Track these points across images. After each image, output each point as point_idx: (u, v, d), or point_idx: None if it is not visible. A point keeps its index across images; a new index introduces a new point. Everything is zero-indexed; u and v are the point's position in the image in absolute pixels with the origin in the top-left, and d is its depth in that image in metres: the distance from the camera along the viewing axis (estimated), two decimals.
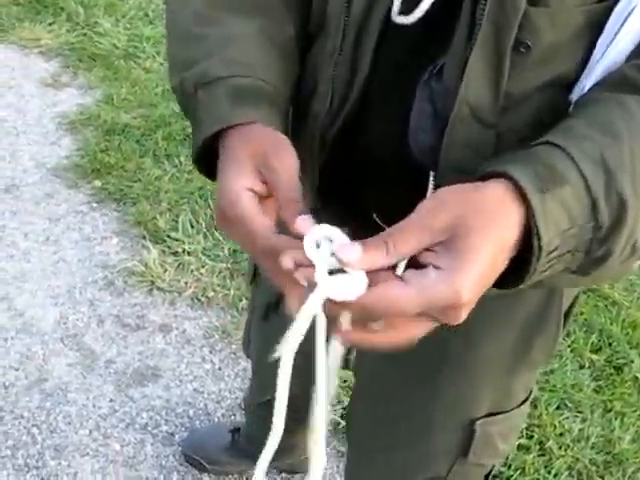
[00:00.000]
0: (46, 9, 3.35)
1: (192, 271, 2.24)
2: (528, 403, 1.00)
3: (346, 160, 0.81)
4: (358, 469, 1.19)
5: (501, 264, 0.58)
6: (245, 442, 1.73)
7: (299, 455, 1.72)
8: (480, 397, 0.95)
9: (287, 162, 0.65)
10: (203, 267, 2.25)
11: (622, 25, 0.65)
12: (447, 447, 1.00)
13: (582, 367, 2.18)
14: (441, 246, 0.56)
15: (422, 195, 0.71)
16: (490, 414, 0.96)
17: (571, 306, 0.93)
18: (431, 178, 0.73)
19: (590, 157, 0.58)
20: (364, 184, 0.83)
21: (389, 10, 0.71)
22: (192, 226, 2.36)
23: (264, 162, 0.65)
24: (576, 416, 2.04)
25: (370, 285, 0.57)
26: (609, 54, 0.66)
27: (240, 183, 0.64)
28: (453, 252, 0.55)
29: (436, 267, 0.56)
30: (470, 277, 0.55)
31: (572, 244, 0.59)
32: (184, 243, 2.30)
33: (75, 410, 1.88)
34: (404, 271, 0.59)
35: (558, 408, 2.04)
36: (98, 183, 2.51)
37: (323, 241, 0.59)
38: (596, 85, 0.67)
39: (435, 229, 0.56)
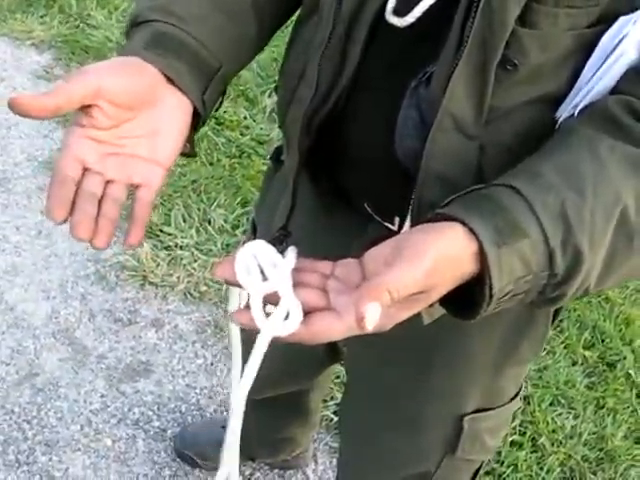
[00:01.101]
0: (38, 1, 3.32)
1: (184, 266, 2.23)
2: (517, 399, 1.00)
3: (333, 148, 0.81)
4: (350, 463, 1.20)
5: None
6: None
7: (293, 451, 1.72)
8: (468, 393, 0.95)
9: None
10: (195, 262, 2.24)
11: (612, 51, 0.66)
12: (436, 442, 1.00)
13: (575, 364, 2.18)
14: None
15: (409, 185, 0.72)
16: (478, 410, 0.96)
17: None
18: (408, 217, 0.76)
19: (552, 211, 0.61)
20: (351, 172, 0.83)
21: (383, 7, 0.71)
22: (184, 220, 2.35)
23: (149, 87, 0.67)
24: (569, 413, 2.04)
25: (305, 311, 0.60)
26: (597, 77, 0.67)
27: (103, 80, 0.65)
28: (408, 301, 0.59)
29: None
30: (400, 318, 0.62)
31: (526, 288, 0.62)
32: (176, 237, 2.29)
33: (66, 405, 1.87)
34: None
35: (551, 405, 2.05)
36: None
37: (251, 260, 0.61)
38: (580, 113, 0.67)
39: (423, 286, 0.59)
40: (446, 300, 0.64)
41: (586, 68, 0.67)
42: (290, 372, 1.23)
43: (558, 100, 0.69)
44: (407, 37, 0.71)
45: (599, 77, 0.67)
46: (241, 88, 2.94)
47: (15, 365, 1.93)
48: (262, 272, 0.61)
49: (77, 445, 1.80)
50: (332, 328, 0.60)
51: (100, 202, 0.65)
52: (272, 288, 0.60)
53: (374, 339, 0.96)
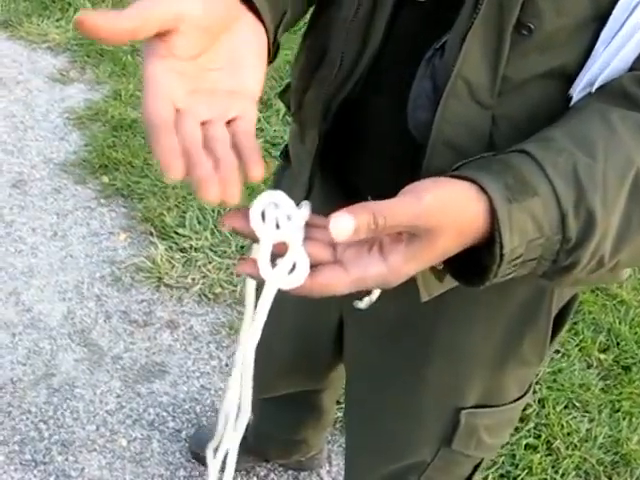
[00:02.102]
0: (54, 5, 3.35)
1: (199, 267, 2.24)
2: (521, 403, 1.00)
3: (347, 132, 0.81)
4: (352, 453, 1.21)
5: (446, 257, 0.60)
6: (252, 438, 1.73)
7: (307, 452, 1.72)
8: (467, 387, 0.95)
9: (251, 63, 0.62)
10: (210, 263, 2.25)
11: (627, 18, 0.64)
12: (432, 433, 1.00)
13: (590, 366, 2.17)
14: (407, 235, 0.58)
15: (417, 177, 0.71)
16: (477, 406, 0.96)
17: (566, 307, 0.92)
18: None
19: (563, 172, 0.60)
20: (362, 158, 0.83)
21: None
22: (199, 222, 2.36)
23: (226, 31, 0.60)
24: (584, 416, 2.04)
25: (312, 265, 0.59)
26: (611, 49, 0.65)
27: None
28: (411, 247, 0.58)
29: (382, 252, 0.58)
30: (408, 272, 0.59)
31: (538, 252, 0.61)
32: (191, 239, 2.30)
33: (82, 406, 1.88)
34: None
35: (566, 407, 2.04)
36: (106, 179, 2.51)
37: (268, 207, 0.59)
38: (596, 92, 0.66)
39: (418, 229, 0.57)
40: (456, 268, 0.64)
41: (599, 40, 0.66)
42: (300, 366, 1.24)
43: (572, 77, 0.68)
44: (427, 11, 0.71)
45: (613, 51, 0.65)
46: None
47: (32, 365, 1.95)
48: (276, 222, 0.59)
49: (93, 445, 1.81)
50: (337, 280, 0.58)
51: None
52: (282, 237, 0.59)
53: (374, 328, 0.97)
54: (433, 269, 0.75)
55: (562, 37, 0.66)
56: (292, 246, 0.59)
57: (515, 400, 0.98)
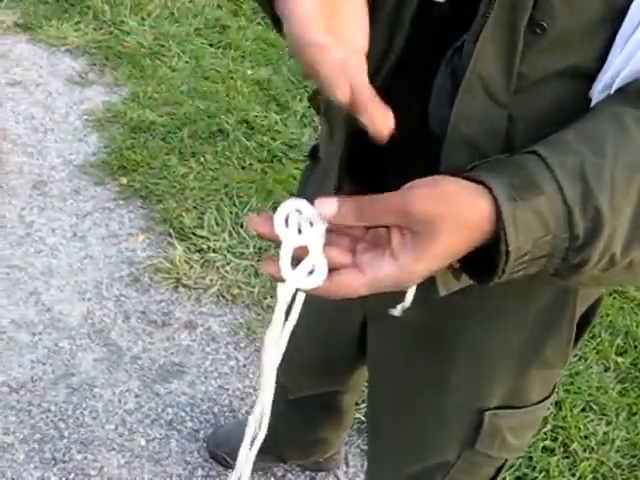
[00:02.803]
0: (73, 8, 3.38)
1: (217, 268, 2.25)
2: (545, 404, 1.00)
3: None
4: (374, 454, 1.21)
5: (456, 258, 0.62)
6: (270, 438, 1.73)
7: (325, 453, 1.73)
8: (490, 388, 0.95)
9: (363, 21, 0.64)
10: (228, 264, 2.26)
11: None
12: (456, 434, 1.00)
13: (607, 369, 2.17)
14: (411, 234, 0.60)
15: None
16: (501, 407, 0.96)
17: (590, 310, 0.93)
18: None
19: (570, 171, 0.61)
20: (388, 157, 0.83)
21: None
22: (217, 224, 2.37)
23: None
24: (601, 419, 2.03)
25: (331, 268, 0.63)
26: (628, 51, 0.65)
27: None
28: (417, 246, 0.60)
29: (392, 254, 0.61)
30: (420, 271, 0.61)
31: (546, 250, 0.62)
32: (209, 240, 2.31)
33: (101, 405, 1.90)
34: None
35: (583, 410, 2.04)
36: (124, 180, 2.53)
37: (292, 214, 0.64)
38: (614, 93, 0.66)
39: (414, 219, 0.59)
40: (469, 266, 0.66)
41: (616, 41, 0.66)
42: (324, 368, 1.25)
43: (591, 77, 0.68)
44: (448, 12, 0.72)
45: (629, 54, 0.65)
46: (272, 93, 2.97)
47: (51, 365, 1.97)
48: (299, 228, 0.64)
49: (112, 444, 1.82)
50: (353, 281, 0.62)
51: None
52: (303, 242, 0.63)
53: (398, 331, 0.98)
54: (450, 267, 0.76)
55: (576, 36, 0.66)
56: (312, 250, 0.63)
57: (539, 402, 0.98)
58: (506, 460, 1.06)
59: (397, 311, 0.80)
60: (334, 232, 0.64)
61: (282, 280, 0.63)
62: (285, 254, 0.63)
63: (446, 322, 0.92)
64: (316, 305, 0.99)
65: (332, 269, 0.63)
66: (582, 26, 0.66)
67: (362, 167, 0.88)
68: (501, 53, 0.67)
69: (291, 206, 0.64)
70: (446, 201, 0.60)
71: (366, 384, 1.89)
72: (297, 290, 0.64)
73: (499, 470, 1.07)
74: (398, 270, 0.61)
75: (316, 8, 0.61)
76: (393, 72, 0.77)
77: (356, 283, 0.62)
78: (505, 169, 0.62)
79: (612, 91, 0.67)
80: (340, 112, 0.81)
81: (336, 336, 1.14)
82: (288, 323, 0.68)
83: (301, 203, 0.64)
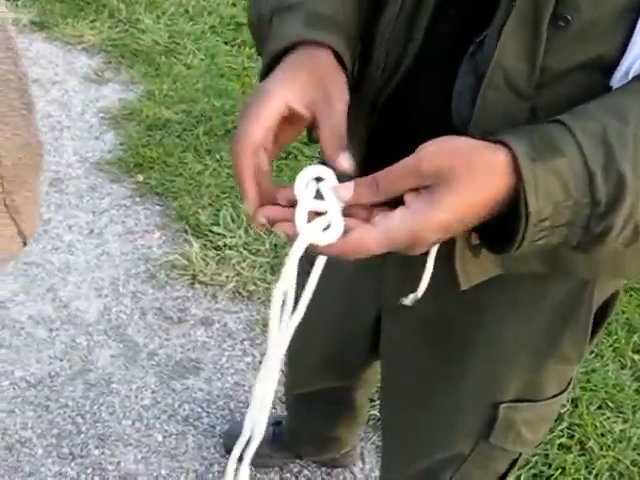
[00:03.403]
0: (89, 6, 3.39)
1: (233, 265, 2.26)
2: (561, 399, 1.00)
3: (392, 129, 0.82)
4: (389, 447, 1.21)
5: (475, 218, 0.61)
6: (286, 435, 1.74)
7: (340, 449, 1.73)
8: (506, 381, 0.95)
9: (342, 95, 0.67)
10: (244, 261, 2.26)
11: None
12: (471, 426, 1.00)
13: (624, 367, 2.16)
14: (425, 189, 0.60)
15: None
16: (517, 400, 0.96)
17: (607, 305, 0.92)
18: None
19: (591, 134, 0.60)
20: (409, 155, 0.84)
21: None
22: (233, 220, 2.38)
23: (320, 83, 0.66)
24: (617, 416, 2.02)
25: (346, 230, 0.62)
26: None
27: (282, 91, 0.66)
28: (429, 197, 0.59)
29: (407, 207, 0.60)
30: (433, 222, 0.59)
31: (567, 217, 0.61)
32: (225, 237, 2.32)
33: (118, 401, 1.91)
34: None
35: (599, 408, 2.03)
36: (140, 177, 2.54)
37: (311, 181, 0.64)
38: (633, 78, 0.66)
39: (425, 173, 0.60)
40: (488, 239, 0.66)
41: (636, 29, 0.65)
42: (335, 362, 1.25)
43: (612, 69, 0.67)
44: (468, 8, 0.72)
45: None
46: None
47: (69, 361, 1.98)
48: (319, 193, 0.64)
49: (129, 440, 1.83)
50: (366, 235, 0.61)
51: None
52: (321, 205, 0.63)
53: (413, 325, 0.98)
54: (469, 244, 0.76)
55: (600, 28, 0.66)
56: (329, 209, 0.63)
57: (554, 396, 0.98)
58: (520, 454, 1.06)
59: (409, 300, 0.79)
60: (353, 205, 0.64)
61: (296, 237, 0.62)
62: (301, 211, 0.62)
63: (462, 317, 0.92)
64: (329, 297, 0.99)
65: (346, 231, 0.63)
66: (605, 17, 0.65)
67: (383, 165, 0.88)
68: (524, 47, 0.66)
69: (312, 173, 0.64)
70: (456, 153, 0.60)
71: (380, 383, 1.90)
72: (310, 247, 0.63)
73: (513, 464, 1.07)
74: (411, 217, 0.60)
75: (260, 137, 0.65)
76: (413, 70, 0.77)
77: (368, 237, 0.61)
78: (524, 132, 0.62)
79: (630, 77, 0.66)
80: (361, 113, 0.81)
81: (349, 332, 1.14)
82: (305, 292, 0.67)
83: (322, 170, 0.64)
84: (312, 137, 1.00)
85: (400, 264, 0.85)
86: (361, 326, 1.11)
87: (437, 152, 0.60)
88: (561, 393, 0.99)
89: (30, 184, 0.62)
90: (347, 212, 0.64)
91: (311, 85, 0.67)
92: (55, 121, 2.77)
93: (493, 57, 0.67)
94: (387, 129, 0.81)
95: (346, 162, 0.64)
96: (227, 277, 2.22)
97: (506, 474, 1.08)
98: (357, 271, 1.00)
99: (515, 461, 1.07)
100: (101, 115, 2.83)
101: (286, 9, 0.73)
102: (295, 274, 0.65)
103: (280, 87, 0.66)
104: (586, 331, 0.91)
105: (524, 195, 0.59)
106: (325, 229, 0.62)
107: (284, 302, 0.66)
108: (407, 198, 0.61)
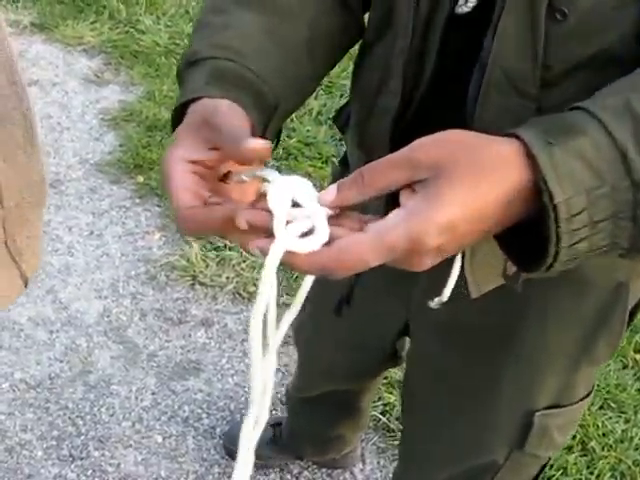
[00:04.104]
0: (89, 7, 3.39)
1: (233, 266, 2.25)
2: (588, 400, 1.00)
3: None
4: (413, 454, 1.19)
5: (487, 220, 0.51)
6: (287, 436, 1.74)
7: (341, 450, 1.73)
8: (542, 389, 0.94)
9: (229, 118, 0.61)
10: (244, 262, 2.26)
11: None
12: (505, 435, 0.99)
13: (626, 367, 2.15)
14: (420, 185, 0.51)
15: None
16: (550, 407, 0.95)
17: (637, 305, 0.91)
18: None
19: (613, 108, 0.53)
20: None
21: (453, 3, 0.70)
22: None
23: (207, 124, 0.61)
24: (619, 416, 2.01)
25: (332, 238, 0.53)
26: None
27: (175, 154, 0.61)
28: (426, 192, 0.50)
29: (402, 207, 0.51)
30: (433, 220, 0.49)
31: (609, 209, 0.51)
32: (225, 238, 2.31)
33: (118, 402, 1.90)
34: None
35: (601, 408, 2.02)
36: (141, 178, 2.53)
37: (286, 193, 0.55)
38: None
39: (419, 164, 0.51)
40: (524, 261, 0.56)
41: None
42: (350, 367, 1.24)
43: (622, 61, 0.64)
44: (473, 20, 0.70)
45: None
46: None
47: (69, 362, 1.98)
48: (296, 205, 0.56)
49: (129, 441, 1.83)
50: (356, 243, 0.50)
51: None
52: (302, 212, 0.54)
53: (446, 333, 0.97)
54: (505, 275, 0.74)
55: (599, 20, 0.64)
56: (310, 212, 0.54)
57: (583, 398, 0.98)
58: (550, 458, 1.06)
59: (434, 304, 0.76)
60: (341, 216, 0.55)
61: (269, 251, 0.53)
62: (279, 215, 0.53)
63: (498, 324, 0.90)
64: (356, 305, 0.97)
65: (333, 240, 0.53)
66: (604, 10, 0.63)
67: None
68: (523, 44, 0.65)
69: (287, 183, 0.56)
70: (457, 143, 0.52)
71: (382, 385, 1.89)
72: (287, 259, 0.52)
73: (542, 468, 1.07)
74: (407, 217, 0.50)
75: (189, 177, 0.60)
76: (432, 82, 0.75)
77: (357, 243, 0.50)
78: (533, 122, 0.54)
79: None
80: (380, 143, 0.80)
81: (369, 343, 1.13)
82: (290, 312, 0.58)
83: (298, 180, 0.57)
84: (337, 120, 0.98)
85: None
86: (382, 340, 1.10)
87: (435, 142, 0.52)
88: (588, 394, 0.99)
89: (32, 222, 0.59)
90: (335, 222, 0.54)
91: (202, 132, 0.62)
92: (55, 122, 2.77)
93: (490, 56, 0.66)
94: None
95: (257, 142, 0.57)
96: (227, 278, 2.22)
97: (537, 477, 1.08)
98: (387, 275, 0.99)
99: (545, 465, 1.07)
100: (101, 116, 2.82)
101: (192, 64, 0.71)
102: (273, 289, 0.55)
103: (179, 149, 0.61)
104: (621, 332, 0.90)
105: (545, 185, 0.49)
106: (306, 235, 0.53)
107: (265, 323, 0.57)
108: (402, 197, 0.52)
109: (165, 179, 0.60)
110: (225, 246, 2.30)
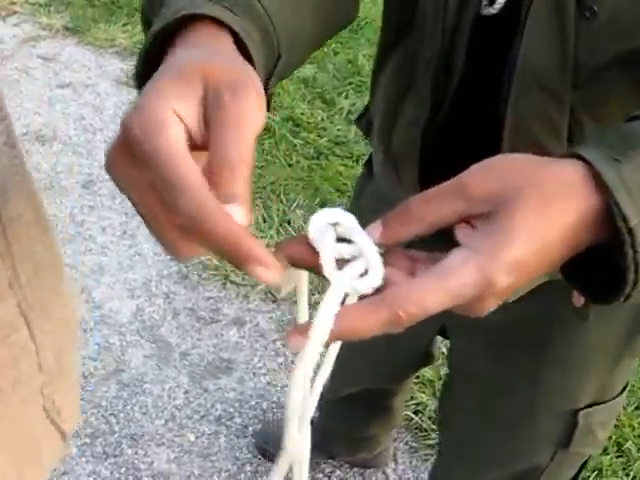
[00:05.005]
0: (120, 10, 3.42)
1: None
2: (626, 391, 0.98)
3: (445, 158, 0.80)
4: (453, 461, 1.17)
5: (555, 252, 0.45)
6: (318, 435, 1.73)
7: (373, 450, 1.72)
8: (585, 388, 0.93)
9: (248, 106, 0.44)
10: None
11: None
12: (548, 438, 0.98)
13: None
14: (480, 220, 0.45)
15: None
16: (592, 404, 0.94)
17: None
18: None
19: None
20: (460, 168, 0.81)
21: (479, 6, 0.69)
22: (264, 221, 2.38)
23: (217, 91, 0.44)
24: None
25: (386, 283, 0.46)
26: None
27: (173, 103, 0.43)
28: (491, 229, 0.44)
29: (465, 246, 0.45)
30: (505, 259, 0.43)
31: None
32: (257, 238, 2.31)
33: (151, 400, 1.92)
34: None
35: (637, 409, 1.99)
36: None
37: (327, 226, 0.48)
38: None
39: (476, 196, 0.45)
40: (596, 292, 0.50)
41: None
42: (387, 368, 1.23)
43: None
44: (499, 26, 0.70)
45: None
46: (317, 90, 2.97)
47: (102, 361, 1.99)
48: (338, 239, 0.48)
49: (161, 439, 1.84)
50: (418, 288, 0.43)
51: None
52: (350, 250, 0.47)
53: (484, 336, 0.95)
54: (574, 308, 0.73)
55: (630, 17, 0.62)
56: (361, 249, 0.47)
57: (622, 391, 0.97)
58: (590, 455, 1.05)
59: None
60: (389, 254, 0.48)
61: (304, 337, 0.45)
62: (327, 254, 0.46)
63: (536, 326, 0.90)
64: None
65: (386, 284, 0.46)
66: (635, 7, 0.62)
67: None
68: (552, 44, 0.64)
69: (327, 217, 0.48)
70: (513, 171, 0.46)
71: (414, 384, 1.88)
72: (345, 297, 0.46)
73: (583, 466, 1.05)
74: (475, 257, 0.43)
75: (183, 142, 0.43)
76: (460, 87, 0.74)
77: (420, 288, 0.43)
78: (593, 141, 0.48)
79: None
80: (409, 151, 0.78)
81: (405, 346, 1.12)
82: (320, 376, 0.50)
83: (339, 213, 0.48)
84: (359, 122, 0.96)
85: None
86: (423, 336, 1.10)
87: (490, 171, 0.46)
88: (625, 387, 0.98)
89: (69, 372, 0.50)
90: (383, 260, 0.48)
91: (207, 90, 0.44)
92: (88, 124, 2.80)
93: (518, 56, 0.66)
94: (439, 158, 0.78)
95: (239, 213, 0.42)
96: None
97: (577, 476, 1.07)
98: None
99: (585, 463, 1.05)
100: None
101: None
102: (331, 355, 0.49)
103: (165, 98, 0.43)
104: None
105: (617, 208, 0.43)
106: (361, 275, 0.46)
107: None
108: (459, 234, 0.46)
109: (155, 137, 0.42)
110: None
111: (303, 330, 0.44)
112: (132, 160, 0.43)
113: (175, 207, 0.41)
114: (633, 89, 0.66)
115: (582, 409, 0.94)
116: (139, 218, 0.46)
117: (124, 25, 3.34)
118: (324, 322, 0.44)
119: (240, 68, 0.46)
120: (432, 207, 0.46)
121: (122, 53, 3.21)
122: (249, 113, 0.44)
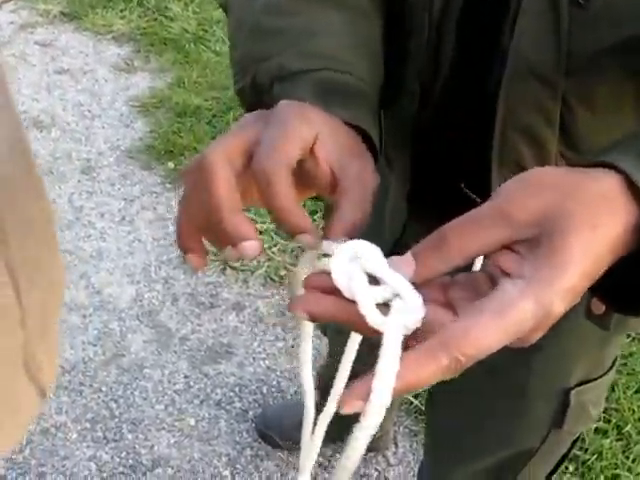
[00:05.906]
0: None
1: (264, 250, 2.25)
2: (615, 366, 0.98)
3: (438, 152, 0.79)
4: (448, 444, 1.17)
5: (601, 269, 0.44)
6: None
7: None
8: (576, 368, 0.92)
9: (372, 169, 0.52)
10: (275, 246, 2.26)
11: None
12: (541, 420, 0.98)
13: None
14: (526, 246, 0.43)
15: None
16: (583, 382, 0.94)
17: None
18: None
19: None
20: (452, 158, 0.80)
21: None
22: None
23: (348, 145, 0.52)
24: None
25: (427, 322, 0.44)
26: None
27: (309, 129, 0.51)
28: (542, 255, 0.42)
29: (516, 277, 0.42)
30: (562, 288, 0.41)
31: None
32: (256, 222, 2.31)
33: (151, 385, 1.92)
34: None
35: (637, 392, 1.99)
36: (171, 164, 2.54)
37: (354, 269, 0.45)
38: None
39: (522, 222, 0.42)
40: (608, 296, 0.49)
41: None
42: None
43: None
44: (489, 13, 0.69)
45: None
46: None
47: (102, 346, 1.99)
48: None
49: (162, 424, 1.84)
50: (475, 327, 0.41)
51: None
52: (383, 292, 0.44)
53: None
54: (591, 315, 0.73)
55: (624, 5, 0.61)
56: (396, 288, 0.44)
57: (611, 366, 0.96)
58: (581, 432, 1.04)
59: None
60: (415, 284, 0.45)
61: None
62: (367, 303, 0.43)
63: None
64: None
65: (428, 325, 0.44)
66: None
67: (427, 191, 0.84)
68: (545, 31, 0.63)
69: (349, 252, 0.46)
70: (551, 189, 0.43)
71: None
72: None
73: (574, 443, 1.05)
74: (531, 287, 0.41)
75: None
76: (449, 77, 0.73)
77: (479, 329, 0.40)
78: (622, 145, 0.46)
79: None
80: (400, 141, 0.78)
81: None
82: (326, 413, 0.52)
83: (363, 245, 0.46)
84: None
85: None
86: None
87: (527, 190, 0.43)
88: (615, 361, 0.97)
89: (53, 331, 0.51)
90: None
91: (341, 140, 0.52)
92: (86, 110, 2.79)
93: (510, 44, 0.64)
94: (431, 151, 0.79)
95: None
96: (258, 262, 2.22)
97: (568, 453, 1.07)
98: None
99: (577, 439, 1.05)
100: (131, 103, 2.84)
101: (281, 80, 0.60)
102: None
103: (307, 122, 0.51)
104: None
105: None
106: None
107: None
108: (505, 263, 0.43)
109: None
110: (256, 230, 2.29)
111: (360, 393, 0.42)
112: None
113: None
114: (627, 77, 0.65)
115: (573, 388, 0.94)
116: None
117: (121, 11, 3.32)
118: (387, 380, 0.41)
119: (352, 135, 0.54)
120: (473, 237, 0.43)
121: (119, 39, 3.19)
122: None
